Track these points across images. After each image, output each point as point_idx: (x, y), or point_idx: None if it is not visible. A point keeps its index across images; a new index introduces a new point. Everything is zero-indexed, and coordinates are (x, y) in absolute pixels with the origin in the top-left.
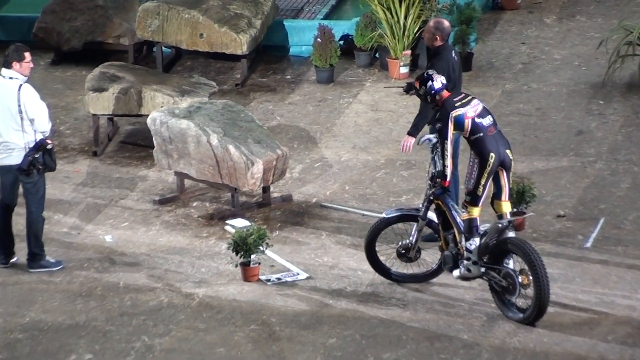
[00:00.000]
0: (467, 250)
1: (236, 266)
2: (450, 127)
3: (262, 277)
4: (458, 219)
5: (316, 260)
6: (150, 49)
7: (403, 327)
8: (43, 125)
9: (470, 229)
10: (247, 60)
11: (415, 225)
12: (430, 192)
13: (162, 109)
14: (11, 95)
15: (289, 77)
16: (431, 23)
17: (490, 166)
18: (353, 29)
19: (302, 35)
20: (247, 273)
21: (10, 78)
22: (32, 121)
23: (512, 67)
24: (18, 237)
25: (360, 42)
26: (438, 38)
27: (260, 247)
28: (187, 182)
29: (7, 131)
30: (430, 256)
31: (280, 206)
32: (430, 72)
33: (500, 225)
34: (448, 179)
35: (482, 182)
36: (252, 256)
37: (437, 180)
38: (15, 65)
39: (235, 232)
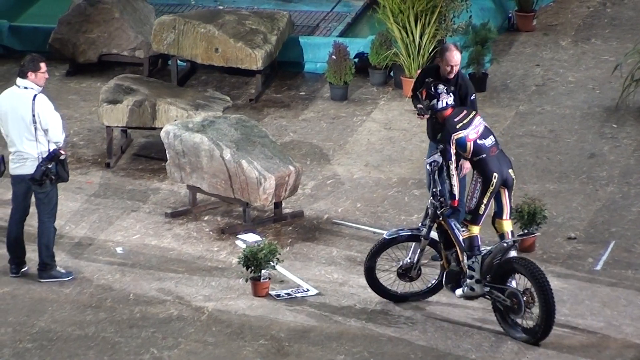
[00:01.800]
0: (470, 268)
1: (246, 281)
2: (452, 148)
3: (272, 292)
4: (460, 238)
5: (326, 277)
6: (165, 63)
7: (411, 345)
8: (57, 135)
9: (472, 247)
10: (261, 75)
11: (413, 244)
12: (440, 212)
13: (176, 123)
14: (26, 105)
15: (303, 93)
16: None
17: (494, 186)
18: (368, 47)
19: (317, 52)
20: (257, 288)
21: (25, 88)
22: (46, 131)
23: (526, 88)
24: (29, 246)
25: (375, 60)
26: None
27: (271, 263)
28: (199, 196)
29: (21, 141)
30: (429, 273)
31: (291, 222)
32: (440, 89)
33: (505, 244)
34: (457, 198)
35: (484, 201)
36: (263, 271)
37: (441, 199)
38: (31, 75)
39: (246, 246)
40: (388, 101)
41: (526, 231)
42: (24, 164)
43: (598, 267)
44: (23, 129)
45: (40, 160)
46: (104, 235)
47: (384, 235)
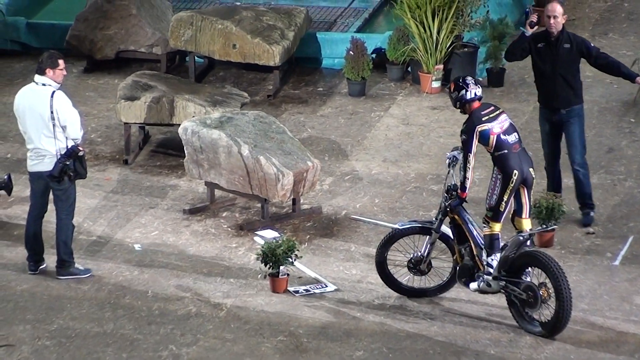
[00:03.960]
0: (489, 265)
1: (265, 277)
2: (475, 140)
3: (291, 289)
4: (475, 232)
5: (345, 273)
6: (183, 59)
7: (430, 341)
8: (75, 132)
9: (492, 244)
10: (279, 71)
11: (427, 238)
12: (447, 203)
13: (194, 119)
14: (44, 102)
15: (320, 89)
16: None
17: (513, 183)
18: (386, 43)
19: (334, 48)
20: (276, 284)
21: (43, 85)
22: (64, 128)
23: None
24: (47, 243)
25: (392, 55)
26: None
27: (289, 259)
28: (218, 193)
29: (39, 138)
30: (444, 267)
31: (309, 218)
32: (468, 79)
33: (521, 238)
34: (467, 191)
35: (505, 198)
36: (281, 267)
37: (454, 192)
38: (49, 72)
39: (264, 243)
40: (406, 96)
41: (544, 226)
42: (42, 160)
43: (617, 262)
44: (41, 126)
45: (59, 157)
46: (122, 232)
47: (396, 226)
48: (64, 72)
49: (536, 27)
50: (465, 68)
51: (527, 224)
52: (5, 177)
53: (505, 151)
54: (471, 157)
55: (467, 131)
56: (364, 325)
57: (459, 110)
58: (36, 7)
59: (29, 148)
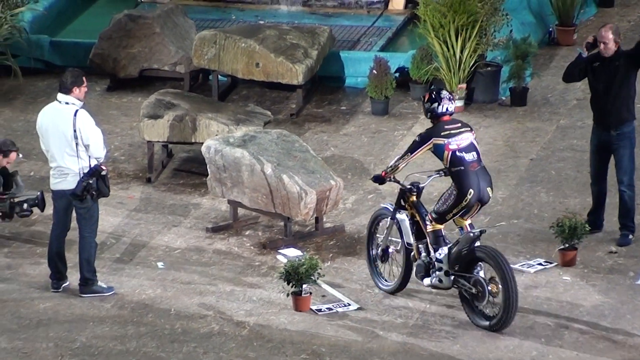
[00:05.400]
0: (438, 260)
1: (287, 295)
2: (424, 148)
3: (313, 307)
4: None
5: (367, 291)
6: (206, 77)
7: None
8: (98, 151)
9: (437, 239)
10: (302, 90)
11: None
12: (373, 176)
13: (217, 137)
14: (67, 121)
15: (344, 108)
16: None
17: (467, 202)
18: (409, 62)
19: (357, 67)
20: (298, 303)
21: (67, 103)
22: (87, 147)
23: (567, 102)
24: (70, 261)
25: (415, 74)
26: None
27: (312, 277)
28: (241, 211)
29: (62, 156)
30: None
31: (332, 236)
32: (444, 94)
33: (472, 234)
34: (386, 173)
35: (454, 211)
36: (304, 286)
37: (409, 187)
38: (76, 90)
39: (287, 261)
40: None
41: (566, 245)
42: (65, 179)
43: (639, 282)
44: (64, 145)
45: (82, 175)
46: (145, 250)
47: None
48: (86, 89)
49: (593, 48)
50: (488, 87)
51: (466, 221)
52: (38, 193)
53: (462, 168)
54: (408, 157)
55: (423, 137)
56: (386, 344)
57: (430, 120)
58: (60, 25)
59: (51, 166)
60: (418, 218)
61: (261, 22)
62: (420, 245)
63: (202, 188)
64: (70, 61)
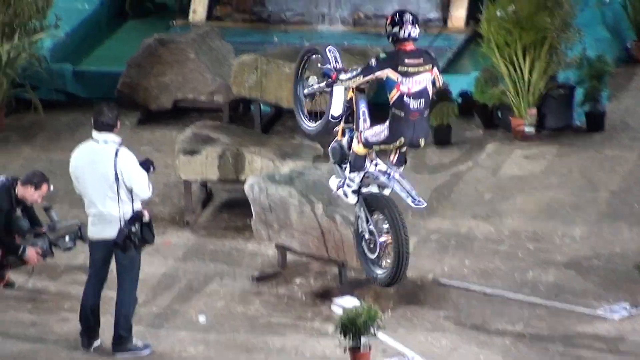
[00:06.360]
0: (350, 179)
1: (345, 351)
2: (375, 74)
3: None
4: (361, 120)
5: (433, 344)
6: (247, 107)
7: None
8: (144, 191)
9: (355, 162)
10: None
11: None
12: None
13: (261, 175)
14: (107, 161)
15: None
16: None
17: (393, 144)
18: (472, 85)
19: None
20: (357, 358)
21: (105, 142)
22: (130, 190)
23: None
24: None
25: (480, 98)
26: None
27: (371, 329)
28: (290, 256)
29: (103, 201)
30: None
31: None
32: (407, 17)
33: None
34: (334, 75)
35: (382, 147)
36: (362, 339)
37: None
38: (116, 128)
39: (343, 312)
40: (496, 145)
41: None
42: (105, 226)
43: None
44: (105, 188)
45: (122, 222)
46: (185, 303)
47: None
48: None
49: None
50: (560, 111)
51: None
52: (77, 222)
53: (402, 114)
54: (359, 79)
55: (380, 63)
56: None
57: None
58: (83, 53)
59: (89, 213)
60: (354, 102)
61: (306, 44)
62: (346, 129)
63: (246, 231)
64: (95, 93)
